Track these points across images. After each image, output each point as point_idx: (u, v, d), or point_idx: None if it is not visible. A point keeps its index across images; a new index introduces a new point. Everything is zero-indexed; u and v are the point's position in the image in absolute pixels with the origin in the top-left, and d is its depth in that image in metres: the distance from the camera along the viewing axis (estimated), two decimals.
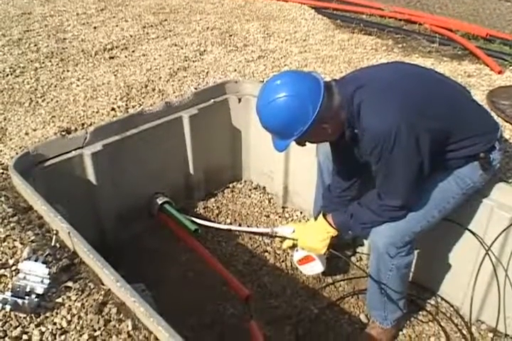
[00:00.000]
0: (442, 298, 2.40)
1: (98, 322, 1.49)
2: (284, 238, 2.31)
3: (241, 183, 3.30)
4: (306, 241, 2.14)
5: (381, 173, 1.82)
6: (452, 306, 2.36)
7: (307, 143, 1.90)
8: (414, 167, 1.74)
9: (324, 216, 2.09)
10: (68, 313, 1.52)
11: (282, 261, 2.66)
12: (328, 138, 1.91)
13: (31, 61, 3.52)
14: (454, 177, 1.89)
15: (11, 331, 1.47)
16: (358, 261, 2.66)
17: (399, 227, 1.89)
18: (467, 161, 1.87)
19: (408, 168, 1.75)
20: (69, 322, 1.50)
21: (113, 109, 2.87)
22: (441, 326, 2.27)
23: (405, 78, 1.85)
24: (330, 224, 2.06)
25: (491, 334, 2.20)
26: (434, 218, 1.91)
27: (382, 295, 2.06)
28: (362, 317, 2.33)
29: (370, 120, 1.72)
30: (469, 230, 2.10)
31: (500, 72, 3.36)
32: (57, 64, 3.49)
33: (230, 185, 3.26)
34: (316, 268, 2.31)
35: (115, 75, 3.30)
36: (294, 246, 2.29)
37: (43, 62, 3.51)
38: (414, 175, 1.76)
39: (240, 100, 2.97)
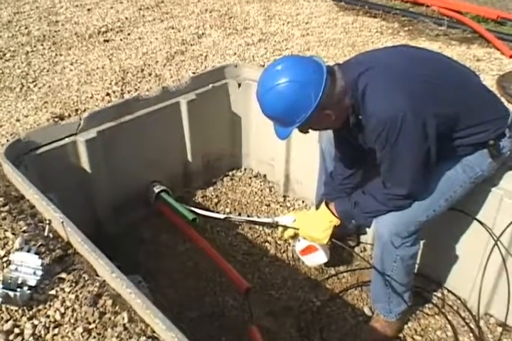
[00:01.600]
0: (449, 291, 2.39)
1: (93, 315, 1.48)
2: (285, 227, 2.30)
3: (241, 171, 3.28)
4: (308, 230, 2.12)
5: (386, 161, 1.80)
6: (459, 299, 2.35)
7: (310, 131, 1.88)
8: (420, 154, 1.73)
9: (327, 204, 2.08)
10: (62, 306, 1.52)
11: (283, 252, 2.66)
12: (331, 124, 1.89)
13: (22, 44, 3.49)
14: (462, 165, 1.88)
15: (2, 324, 1.46)
16: (361, 251, 2.65)
17: (404, 216, 1.88)
18: (476, 149, 1.85)
19: (414, 155, 1.73)
20: (62, 315, 1.49)
21: (108, 95, 2.85)
22: (447, 319, 2.26)
23: (411, 62, 1.82)
24: (332, 213, 2.04)
25: (500, 329, 2.19)
26: (440, 207, 1.90)
27: (387, 287, 2.05)
28: (366, 309, 2.33)
29: (375, 105, 1.70)
30: (477, 220, 2.08)
31: (511, 56, 3.32)
32: (50, 47, 3.46)
33: (230, 173, 3.25)
34: (319, 258, 2.30)
35: (110, 59, 3.28)
36: (295, 236, 2.28)
37: (35, 46, 3.48)
38: (421, 163, 1.75)
39: (239, 85, 2.94)
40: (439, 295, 2.38)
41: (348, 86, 1.74)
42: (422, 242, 2.07)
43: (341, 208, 2.02)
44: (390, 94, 1.70)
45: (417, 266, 2.16)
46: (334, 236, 2.13)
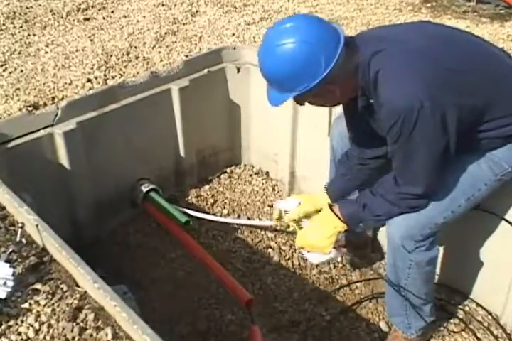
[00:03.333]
0: (478, 304, 2.38)
1: (72, 331, 1.47)
2: (281, 219, 2.26)
3: (240, 167, 3.28)
4: (308, 237, 2.07)
5: (399, 156, 1.80)
6: (490, 314, 2.34)
7: (307, 104, 1.87)
8: (438, 149, 1.72)
9: (331, 207, 2.05)
10: (36, 321, 1.51)
11: (288, 259, 2.65)
12: (333, 102, 1.89)
13: None
14: (487, 160, 1.87)
15: None
16: (380, 260, 2.63)
17: (419, 218, 1.87)
18: (504, 142, 1.84)
19: (431, 151, 1.73)
20: (37, 332, 1.48)
21: (89, 81, 2.85)
22: (477, 337, 2.25)
23: (434, 42, 1.80)
24: (338, 217, 2.02)
25: None
26: (460, 207, 1.89)
27: (403, 299, 2.04)
28: (382, 324, 2.33)
29: (389, 93, 1.69)
30: (508, 221, 2.07)
31: None
32: (21, 26, 3.46)
33: (228, 170, 3.25)
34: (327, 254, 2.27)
35: (91, 40, 3.27)
36: (298, 223, 2.23)
37: (4, 24, 3.47)
38: (438, 159, 1.75)
39: (238, 70, 2.93)
40: (467, 309, 2.37)
41: (359, 64, 1.72)
42: (443, 248, 2.06)
43: (348, 211, 1.99)
44: (406, 79, 1.68)
45: (439, 275, 2.15)
46: (350, 243, 2.11)
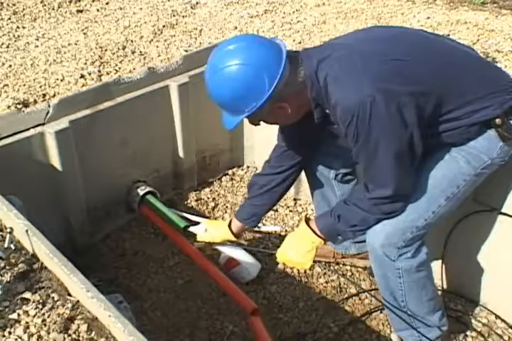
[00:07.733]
0: (497, 316, 2.37)
1: None
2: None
3: (243, 169, 3.28)
4: (287, 253, 2.13)
5: (363, 157, 1.83)
6: (511, 327, 2.33)
7: (262, 123, 1.96)
8: (401, 144, 1.74)
9: (307, 222, 2.09)
10: (25, 333, 1.51)
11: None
12: (286, 120, 1.96)
13: None
14: (465, 154, 1.88)
15: None
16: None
17: (397, 223, 1.89)
18: (479, 131, 1.85)
19: (394, 146, 1.75)
20: None
21: (82, 76, 2.85)
22: None
23: (377, 40, 1.88)
24: (314, 232, 2.05)
25: None
26: (441, 207, 1.90)
27: (404, 311, 2.04)
28: (394, 337, 2.32)
29: (339, 93, 1.75)
30: None
31: None
32: (9, 18, 3.46)
33: (229, 172, 3.25)
34: (245, 274, 2.49)
35: (85, 34, 3.27)
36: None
37: None
38: (404, 155, 1.77)
39: None
40: (485, 321, 2.36)
41: (307, 77, 1.80)
42: (455, 254, 2.04)
43: (323, 224, 2.03)
44: (353, 79, 1.74)
45: (454, 284, 2.13)
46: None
